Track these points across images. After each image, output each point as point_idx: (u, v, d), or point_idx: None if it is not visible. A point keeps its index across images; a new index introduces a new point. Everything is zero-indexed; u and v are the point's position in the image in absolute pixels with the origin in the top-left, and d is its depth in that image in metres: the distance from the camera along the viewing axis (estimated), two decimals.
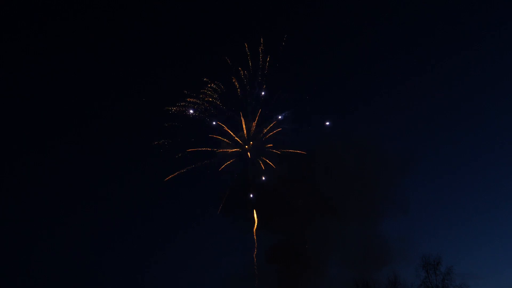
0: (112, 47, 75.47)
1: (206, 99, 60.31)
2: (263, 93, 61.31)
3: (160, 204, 75.93)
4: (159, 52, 72.11)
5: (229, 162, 60.97)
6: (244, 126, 61.47)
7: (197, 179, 62.29)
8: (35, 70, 73.50)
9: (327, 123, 63.35)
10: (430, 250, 58.10)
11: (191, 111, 60.00)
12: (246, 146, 61.43)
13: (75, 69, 74.39)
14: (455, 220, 77.36)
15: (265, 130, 62.10)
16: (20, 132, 72.18)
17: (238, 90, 60.84)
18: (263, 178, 62.22)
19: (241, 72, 60.38)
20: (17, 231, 68.29)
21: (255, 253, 60.97)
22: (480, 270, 64.47)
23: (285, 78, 62.24)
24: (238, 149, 61.72)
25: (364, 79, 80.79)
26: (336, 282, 60.47)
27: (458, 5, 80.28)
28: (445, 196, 77.92)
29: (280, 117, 61.71)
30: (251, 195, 62.35)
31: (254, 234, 61.63)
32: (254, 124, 61.53)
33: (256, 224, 61.81)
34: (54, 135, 74.40)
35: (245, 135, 61.87)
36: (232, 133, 61.42)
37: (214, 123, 60.96)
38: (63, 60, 73.70)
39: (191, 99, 60.04)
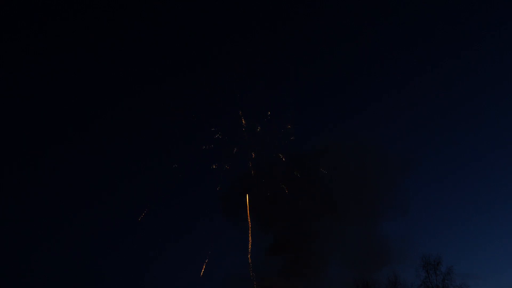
0: (112, 47, 75.47)
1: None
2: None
3: (161, 204, 75.95)
4: (160, 52, 71.99)
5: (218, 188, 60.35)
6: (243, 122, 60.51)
7: (198, 179, 62.36)
8: (35, 70, 73.52)
9: None
10: (430, 250, 58.47)
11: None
12: (251, 164, 60.27)
13: (75, 69, 74.41)
14: (455, 220, 77.88)
15: (289, 127, 60.28)
16: (20, 132, 72.21)
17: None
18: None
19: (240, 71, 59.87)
20: (17, 231, 68.38)
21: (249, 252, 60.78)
22: (480, 270, 64.91)
23: (285, 80, 61.97)
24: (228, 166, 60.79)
25: (364, 80, 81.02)
26: (336, 282, 60.51)
27: (458, 5, 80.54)
28: (445, 197, 78.50)
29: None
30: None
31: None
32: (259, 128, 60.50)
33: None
34: (54, 136, 74.42)
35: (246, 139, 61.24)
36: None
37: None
38: (63, 60, 73.74)
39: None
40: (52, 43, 72.59)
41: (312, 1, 75.72)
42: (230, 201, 62.30)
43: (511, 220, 77.96)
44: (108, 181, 75.03)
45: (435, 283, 49.75)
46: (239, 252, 64.50)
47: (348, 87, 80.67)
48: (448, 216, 76.77)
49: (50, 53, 72.71)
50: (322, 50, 76.85)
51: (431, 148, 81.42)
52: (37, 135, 74.55)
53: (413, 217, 73.06)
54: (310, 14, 72.72)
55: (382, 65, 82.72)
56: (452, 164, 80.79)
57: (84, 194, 73.29)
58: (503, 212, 74.61)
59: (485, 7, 78.72)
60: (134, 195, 73.66)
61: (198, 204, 68.03)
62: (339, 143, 63.39)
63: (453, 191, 78.81)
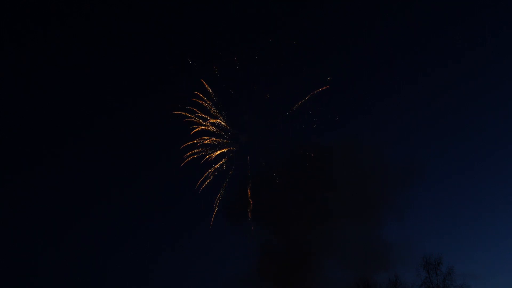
0: (120, 49, 76.24)
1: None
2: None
3: (164, 207, 76.92)
4: (164, 54, 72.48)
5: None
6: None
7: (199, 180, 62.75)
8: (36, 71, 74.15)
9: None
10: (431, 250, 58.75)
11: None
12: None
13: (79, 72, 75.07)
14: (456, 220, 78.17)
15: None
16: (27, 135, 73.03)
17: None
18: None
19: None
20: (23, 233, 69.17)
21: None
22: (481, 270, 65.04)
23: (283, 83, 62.00)
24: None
25: (365, 83, 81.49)
26: (337, 282, 60.83)
27: (461, 7, 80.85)
28: (446, 197, 78.80)
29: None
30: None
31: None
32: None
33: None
34: (60, 138, 75.06)
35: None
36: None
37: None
38: (66, 61, 74.46)
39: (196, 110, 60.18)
40: (55, 43, 73.48)
41: (315, 3, 75.99)
42: (232, 204, 62.70)
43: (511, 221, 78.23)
44: (113, 184, 76.11)
45: (435, 283, 49.88)
46: (241, 255, 65.45)
47: (350, 90, 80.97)
48: (449, 217, 77.25)
49: (52, 54, 73.58)
50: (322, 54, 76.84)
51: (433, 149, 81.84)
52: (43, 137, 75.42)
53: (414, 217, 73.54)
54: (314, 16, 72.96)
55: (383, 68, 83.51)
56: (453, 165, 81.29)
57: (89, 195, 74.28)
58: (504, 212, 74.92)
59: (488, 9, 79.00)
60: (139, 197, 74.84)
61: (200, 206, 68.91)
62: (342, 145, 63.91)
63: (454, 192, 79.30)
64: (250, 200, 62.01)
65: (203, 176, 59.77)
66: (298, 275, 62.00)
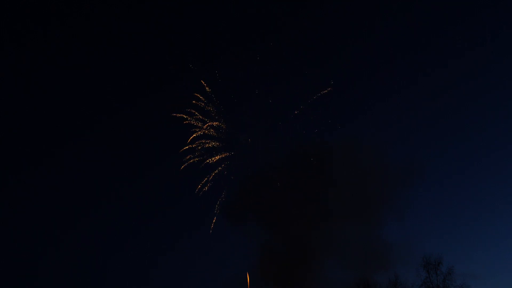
0: (120, 49, 76.34)
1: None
2: None
3: (164, 207, 76.96)
4: (164, 55, 72.55)
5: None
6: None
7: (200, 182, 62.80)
8: (36, 71, 74.22)
9: None
10: (431, 250, 58.73)
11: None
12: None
13: (81, 72, 75.15)
14: (456, 220, 78.31)
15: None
16: (26, 135, 73.08)
17: None
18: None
19: None
20: (23, 233, 69.23)
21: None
22: (481, 270, 65.20)
23: (283, 85, 61.89)
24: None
25: (365, 83, 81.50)
26: (337, 282, 60.88)
27: (461, 7, 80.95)
28: (446, 197, 78.99)
29: None
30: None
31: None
32: None
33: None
34: (60, 138, 75.19)
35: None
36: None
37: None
38: (66, 62, 74.53)
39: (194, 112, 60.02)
40: (55, 43, 73.56)
41: (315, 3, 75.96)
42: (233, 204, 62.63)
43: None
44: (113, 184, 76.32)
45: (435, 283, 50.01)
46: (241, 255, 65.43)
47: (350, 90, 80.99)
48: (449, 217, 77.46)
49: (52, 53, 73.68)
50: (321, 54, 76.82)
51: (433, 149, 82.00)
52: (43, 137, 75.54)
53: (414, 217, 73.75)
54: (314, 16, 72.93)
55: (383, 68, 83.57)
56: (453, 165, 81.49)
57: (89, 196, 74.46)
58: (504, 212, 75.09)
59: (488, 9, 79.09)
60: (139, 197, 74.95)
61: (200, 206, 68.86)
62: (342, 145, 63.89)
63: (454, 192, 79.55)
64: (250, 200, 62.05)
65: (203, 181, 59.96)
66: (298, 275, 62.03)
